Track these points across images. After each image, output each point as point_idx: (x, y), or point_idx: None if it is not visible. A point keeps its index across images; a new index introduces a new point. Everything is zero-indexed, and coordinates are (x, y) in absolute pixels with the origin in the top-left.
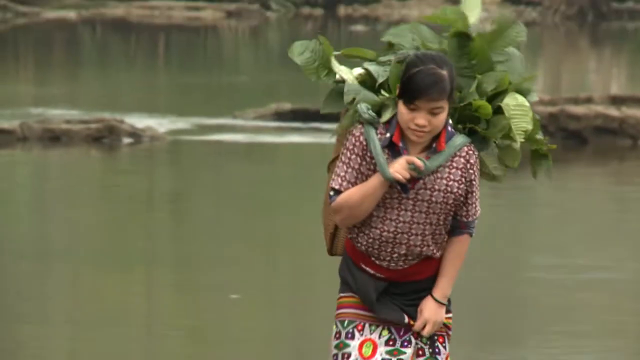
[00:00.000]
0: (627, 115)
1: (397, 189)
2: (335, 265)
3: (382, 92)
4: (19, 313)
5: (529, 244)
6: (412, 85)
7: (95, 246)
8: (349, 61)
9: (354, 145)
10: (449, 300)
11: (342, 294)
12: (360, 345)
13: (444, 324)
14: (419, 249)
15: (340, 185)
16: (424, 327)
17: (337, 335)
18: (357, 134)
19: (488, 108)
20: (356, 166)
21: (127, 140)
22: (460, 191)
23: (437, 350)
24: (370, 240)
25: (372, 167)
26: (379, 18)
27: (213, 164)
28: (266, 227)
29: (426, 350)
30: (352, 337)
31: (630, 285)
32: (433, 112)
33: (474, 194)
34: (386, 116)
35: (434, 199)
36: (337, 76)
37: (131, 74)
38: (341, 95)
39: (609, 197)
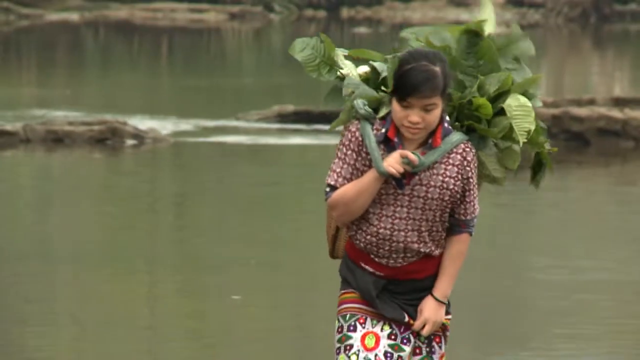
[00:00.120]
0: (630, 117)
1: (392, 184)
2: (337, 266)
3: (383, 88)
4: (22, 314)
5: (531, 245)
6: (404, 82)
7: (99, 248)
8: (355, 63)
9: (350, 140)
10: (448, 302)
11: (342, 291)
12: (363, 337)
13: (442, 324)
14: (416, 245)
15: (336, 181)
16: (423, 326)
17: (339, 330)
18: (353, 129)
19: (488, 107)
20: (352, 162)
21: (130, 142)
22: (456, 188)
23: (432, 349)
24: (368, 237)
25: (367, 162)
26: (382, 20)
27: (216, 165)
28: (269, 229)
29: (423, 349)
30: (355, 330)
31: (633, 286)
32: (426, 109)
33: (472, 191)
34: (382, 112)
35: (429, 195)
36: (339, 73)
37: (134, 76)
38: (342, 92)
39: (611, 199)
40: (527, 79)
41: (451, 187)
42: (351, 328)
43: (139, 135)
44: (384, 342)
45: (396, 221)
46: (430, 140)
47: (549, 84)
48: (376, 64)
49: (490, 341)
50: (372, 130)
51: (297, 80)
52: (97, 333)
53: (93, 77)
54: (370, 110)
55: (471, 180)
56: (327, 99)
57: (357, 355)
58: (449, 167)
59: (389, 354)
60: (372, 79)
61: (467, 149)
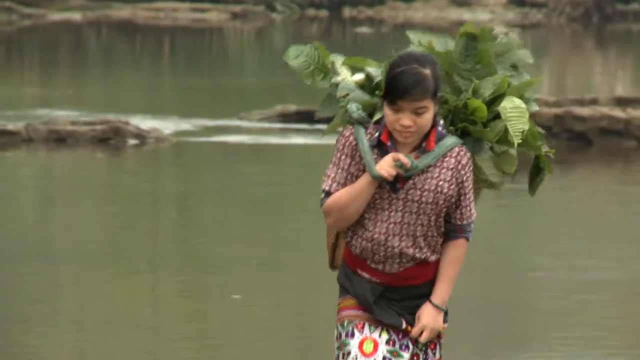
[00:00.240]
0: (632, 116)
1: (387, 189)
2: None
3: (377, 93)
4: (24, 314)
5: (532, 245)
6: (394, 86)
7: (101, 248)
8: (351, 71)
9: (344, 145)
10: (446, 310)
11: (340, 299)
12: (361, 343)
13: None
14: (411, 250)
15: (330, 186)
16: (421, 333)
17: (338, 337)
18: (347, 134)
19: (484, 109)
20: (346, 167)
21: (132, 141)
22: (450, 192)
23: (427, 357)
24: (363, 243)
25: (361, 167)
26: (384, 20)
27: (218, 165)
28: (270, 228)
29: (420, 356)
30: (352, 336)
31: (635, 286)
32: (417, 112)
33: (467, 196)
34: (377, 117)
35: (424, 199)
36: (333, 80)
37: (136, 75)
38: (337, 100)
39: (613, 198)
40: (523, 82)
41: (445, 190)
42: (349, 334)
43: (141, 135)
44: (383, 348)
45: (391, 226)
46: (423, 144)
47: (551, 84)
48: (370, 70)
49: (491, 342)
50: (366, 134)
51: (299, 80)
52: (99, 333)
53: (95, 77)
54: (363, 114)
55: (466, 184)
56: (323, 106)
57: None
58: (444, 170)
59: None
60: (367, 86)
61: (462, 153)
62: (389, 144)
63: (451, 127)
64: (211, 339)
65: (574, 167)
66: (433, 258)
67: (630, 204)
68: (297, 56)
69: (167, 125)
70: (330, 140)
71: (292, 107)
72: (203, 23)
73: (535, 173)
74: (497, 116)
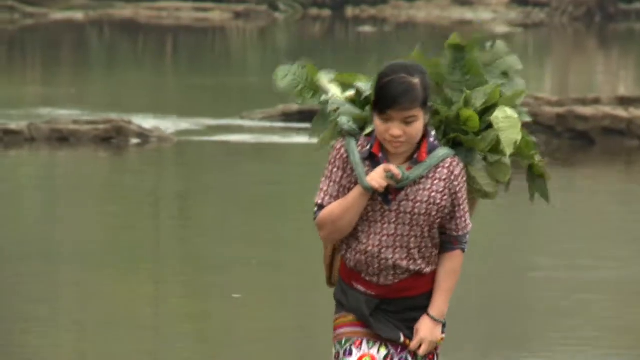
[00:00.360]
0: (635, 116)
1: (379, 201)
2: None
3: (367, 109)
4: (25, 314)
5: (535, 244)
6: (383, 95)
7: (102, 247)
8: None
9: (336, 158)
10: (443, 324)
11: (337, 315)
12: None
13: None
14: (405, 262)
15: (323, 199)
16: (419, 346)
17: (336, 356)
18: (339, 146)
19: (475, 119)
20: (338, 179)
21: (134, 141)
22: (443, 202)
23: None
24: (357, 256)
25: (353, 179)
26: (387, 19)
27: (220, 164)
28: (272, 228)
29: None
30: (350, 354)
31: (635, 286)
32: (407, 122)
33: (462, 207)
34: (368, 129)
35: (416, 210)
36: (323, 97)
37: (139, 75)
38: (328, 116)
39: (616, 198)
40: (515, 91)
41: (438, 201)
42: (347, 352)
43: (143, 134)
44: None
45: (384, 238)
46: (415, 155)
47: (554, 83)
48: (360, 85)
49: (491, 342)
50: (357, 146)
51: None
52: (99, 332)
53: (98, 76)
54: (354, 126)
55: (460, 195)
56: (315, 127)
57: None
58: (436, 181)
59: None
60: (357, 100)
61: (455, 164)
62: (380, 155)
63: (443, 139)
64: (211, 338)
65: (576, 167)
66: (428, 270)
67: (632, 203)
68: (285, 77)
69: (169, 125)
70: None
71: (294, 107)
72: (206, 22)
73: (532, 183)
74: (490, 126)
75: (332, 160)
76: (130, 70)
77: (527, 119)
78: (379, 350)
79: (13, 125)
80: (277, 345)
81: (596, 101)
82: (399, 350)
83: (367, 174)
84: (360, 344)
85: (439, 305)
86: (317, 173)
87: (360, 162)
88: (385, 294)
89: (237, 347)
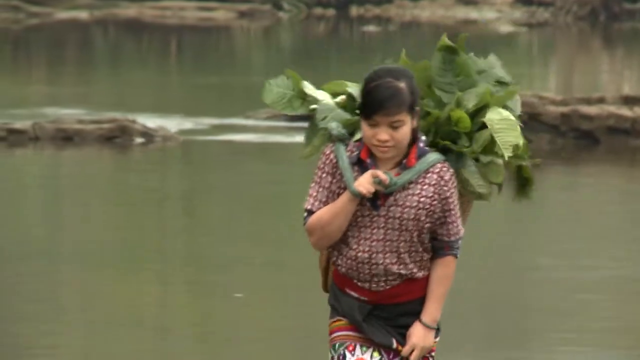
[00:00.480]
0: (639, 115)
1: (368, 206)
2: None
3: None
4: (28, 313)
5: (539, 243)
6: (369, 100)
7: (106, 246)
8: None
9: (325, 164)
10: (437, 329)
11: (331, 320)
12: None
13: None
14: (395, 267)
15: (312, 205)
16: (412, 352)
17: None
18: (328, 152)
19: (466, 120)
20: (327, 185)
21: (139, 140)
22: (433, 208)
23: None
24: (348, 262)
25: (342, 185)
26: (391, 18)
27: (225, 164)
28: (276, 228)
29: None
30: (344, 359)
31: (636, 285)
32: (393, 126)
33: (453, 212)
34: (358, 135)
35: (405, 215)
36: (312, 106)
37: (143, 74)
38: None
39: (620, 197)
40: (506, 91)
41: (427, 207)
42: (341, 357)
43: (148, 134)
44: None
45: (373, 243)
46: (404, 161)
47: (558, 82)
48: (351, 90)
49: (491, 341)
50: (346, 151)
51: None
52: (103, 331)
53: (102, 76)
54: (343, 131)
55: (450, 200)
56: (307, 139)
57: None
58: (425, 187)
59: None
60: (349, 106)
61: (445, 169)
62: (368, 160)
63: (434, 149)
64: (213, 337)
65: (580, 166)
66: (420, 275)
67: (636, 203)
68: (270, 91)
69: (173, 124)
70: None
71: None
72: (210, 22)
73: (522, 183)
74: (482, 127)
75: (322, 166)
76: (135, 69)
77: (517, 112)
78: (372, 356)
79: (18, 125)
80: (279, 344)
81: (601, 100)
82: (391, 356)
83: (356, 179)
84: (354, 348)
85: (431, 311)
86: None
87: (348, 167)
88: (377, 300)
89: (239, 346)
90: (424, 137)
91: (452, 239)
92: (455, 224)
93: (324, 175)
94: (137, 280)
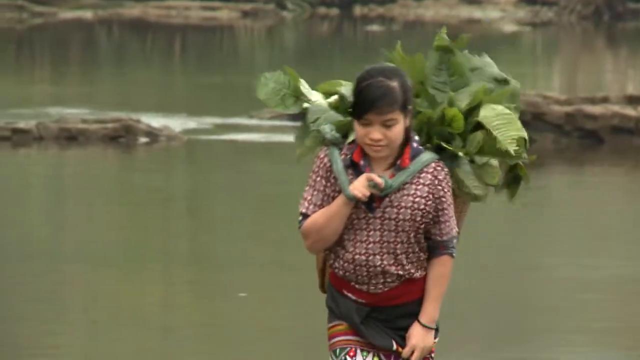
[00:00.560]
0: None
1: (363, 209)
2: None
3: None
4: (32, 313)
5: (544, 242)
6: (361, 99)
7: (110, 245)
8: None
9: (319, 167)
10: (437, 329)
11: (330, 324)
12: None
13: None
14: (393, 268)
15: (307, 209)
16: (412, 353)
17: None
18: (322, 155)
19: (460, 119)
20: (321, 188)
21: (143, 139)
22: (428, 207)
23: None
24: (345, 265)
25: (337, 188)
26: (395, 18)
27: (229, 163)
28: (280, 227)
29: None
30: None
31: (639, 285)
32: (386, 125)
33: (446, 211)
34: (351, 137)
35: (401, 216)
36: (305, 105)
37: (148, 73)
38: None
39: (625, 197)
40: (499, 91)
41: (422, 207)
42: None
43: (152, 133)
44: None
45: (370, 245)
46: (398, 162)
47: (562, 82)
48: (343, 91)
49: (493, 340)
50: (340, 154)
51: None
52: (106, 331)
53: (107, 75)
54: (337, 135)
55: (444, 199)
56: (298, 140)
57: None
58: (420, 187)
59: None
60: (341, 107)
61: (439, 168)
62: (362, 162)
63: (428, 145)
64: (216, 337)
65: (585, 166)
66: (418, 275)
67: None
68: (265, 85)
69: (177, 124)
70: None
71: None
72: (214, 21)
73: (515, 182)
74: (475, 128)
75: (316, 170)
76: (139, 69)
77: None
78: None
79: (22, 124)
80: (282, 344)
81: (605, 100)
82: (392, 359)
83: (350, 182)
84: (355, 353)
85: (429, 311)
86: None
87: (343, 171)
88: (375, 302)
89: (242, 346)
90: (417, 137)
91: (445, 238)
92: (447, 224)
93: (318, 178)
94: (140, 280)
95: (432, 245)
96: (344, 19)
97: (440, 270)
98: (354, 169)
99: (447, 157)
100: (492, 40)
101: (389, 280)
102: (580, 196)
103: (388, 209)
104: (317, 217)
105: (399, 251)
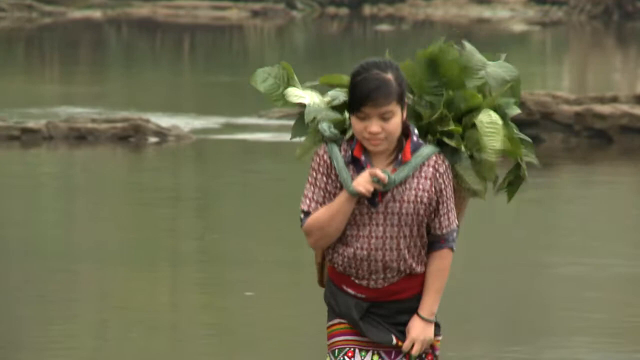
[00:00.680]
0: None
1: (366, 204)
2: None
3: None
4: (42, 312)
5: (552, 241)
6: (357, 93)
7: (120, 245)
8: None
9: (319, 164)
10: (438, 325)
11: (329, 323)
12: None
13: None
14: (395, 263)
15: (309, 206)
16: (412, 346)
17: None
18: (321, 152)
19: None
20: (322, 185)
21: (152, 139)
22: (430, 201)
23: None
24: (346, 260)
25: (338, 185)
26: (405, 17)
27: (238, 162)
28: (290, 226)
29: None
30: None
31: None
32: (384, 117)
33: (446, 204)
34: (350, 133)
35: (404, 210)
36: (299, 102)
37: (156, 73)
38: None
39: (634, 196)
40: (497, 92)
41: (425, 200)
42: None
43: (161, 133)
44: None
45: (373, 240)
46: (400, 156)
47: (572, 81)
48: (332, 92)
49: (506, 336)
50: (340, 151)
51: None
52: (115, 330)
53: (116, 75)
54: (335, 131)
55: (444, 192)
56: (295, 129)
57: None
58: (422, 180)
59: None
60: (337, 105)
61: (440, 161)
62: (363, 158)
63: (430, 137)
64: (224, 336)
65: (594, 165)
66: (419, 269)
67: None
68: (265, 79)
69: (187, 123)
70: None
71: None
72: (223, 21)
73: (515, 181)
74: (474, 125)
75: (316, 167)
76: (148, 68)
77: (516, 111)
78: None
79: (31, 124)
80: (289, 343)
81: (614, 99)
82: (392, 355)
83: (352, 178)
84: (353, 354)
85: (428, 305)
86: None
87: (344, 167)
88: (375, 297)
89: (250, 344)
90: (416, 130)
91: (444, 231)
92: (447, 216)
93: (318, 176)
94: (148, 279)
95: (432, 239)
96: (354, 19)
97: (440, 264)
98: (355, 165)
99: (448, 153)
100: (501, 39)
101: (389, 275)
102: (589, 195)
103: (391, 204)
104: (320, 214)
105: (401, 246)
